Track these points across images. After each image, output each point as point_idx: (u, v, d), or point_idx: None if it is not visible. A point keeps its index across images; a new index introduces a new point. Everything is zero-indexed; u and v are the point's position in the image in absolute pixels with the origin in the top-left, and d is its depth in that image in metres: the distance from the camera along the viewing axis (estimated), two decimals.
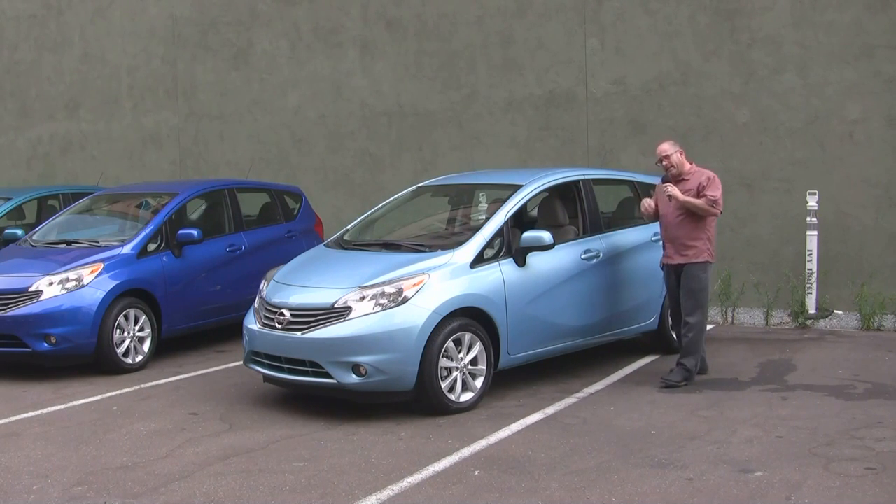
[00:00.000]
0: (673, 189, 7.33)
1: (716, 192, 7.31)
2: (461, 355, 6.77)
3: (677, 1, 10.84)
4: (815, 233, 9.92)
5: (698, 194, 7.32)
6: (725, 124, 10.67)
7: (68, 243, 9.18)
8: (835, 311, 10.04)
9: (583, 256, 7.69)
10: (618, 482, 5.28)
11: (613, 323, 7.97)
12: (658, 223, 8.13)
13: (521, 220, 7.95)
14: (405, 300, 6.60)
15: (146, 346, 8.71)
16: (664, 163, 7.45)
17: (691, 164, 7.54)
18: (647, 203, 7.67)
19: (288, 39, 13.26)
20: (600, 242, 7.89)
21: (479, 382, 6.90)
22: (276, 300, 7.03)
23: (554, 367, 7.90)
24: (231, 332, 9.49)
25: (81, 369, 8.42)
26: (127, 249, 8.79)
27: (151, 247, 8.97)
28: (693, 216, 7.34)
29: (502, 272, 7.07)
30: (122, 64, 14.60)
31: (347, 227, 8.25)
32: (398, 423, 6.54)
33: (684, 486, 5.19)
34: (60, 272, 8.37)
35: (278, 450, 6.04)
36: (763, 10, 10.43)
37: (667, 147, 7.47)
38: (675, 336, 8.10)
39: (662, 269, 7.74)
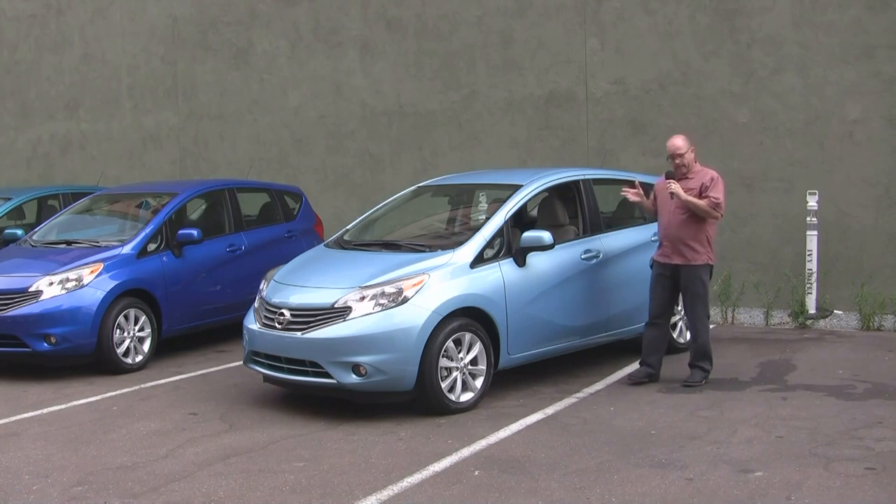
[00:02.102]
0: (676, 187, 7.21)
1: (719, 194, 7.20)
2: (461, 355, 6.77)
3: (677, 1, 10.84)
4: (815, 233, 9.91)
5: (700, 195, 7.22)
6: (725, 124, 10.66)
7: (68, 243, 9.18)
8: (835, 311, 10.04)
9: (583, 256, 7.69)
10: (618, 482, 5.28)
11: (613, 323, 7.97)
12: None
13: (521, 220, 7.95)
14: (405, 300, 6.60)
15: (146, 346, 8.71)
16: (676, 161, 7.33)
17: (696, 162, 7.44)
18: (639, 194, 7.55)
19: (288, 39, 13.26)
20: (600, 242, 7.89)
21: (479, 382, 6.90)
22: (276, 300, 7.03)
23: (554, 367, 7.90)
24: (231, 332, 9.49)
25: (81, 369, 8.42)
26: (127, 249, 8.79)
27: (151, 247, 8.97)
28: (695, 217, 7.25)
29: (502, 272, 7.07)
30: (122, 64, 14.60)
31: (347, 227, 8.25)
32: (398, 423, 6.54)
33: (684, 486, 5.19)
34: (60, 272, 8.37)
35: (278, 450, 6.04)
36: (763, 10, 10.43)
37: (681, 144, 7.31)
38: (647, 335, 7.58)
39: (652, 265, 7.60)
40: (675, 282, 7.42)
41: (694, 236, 7.27)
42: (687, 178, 7.32)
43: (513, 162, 11.73)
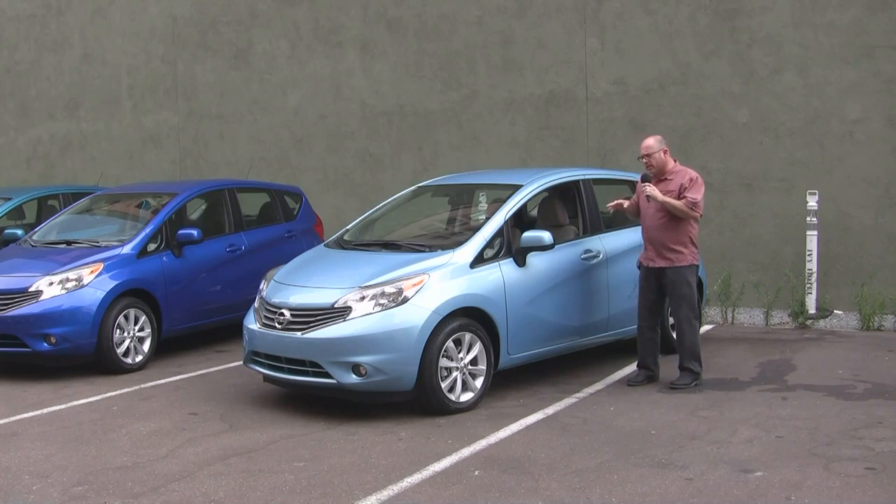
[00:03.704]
0: (652, 189, 7.17)
1: (696, 194, 7.13)
2: (461, 355, 6.77)
3: (677, 1, 10.85)
4: (815, 233, 9.92)
5: (679, 195, 7.17)
6: (725, 124, 10.67)
7: (68, 243, 9.18)
8: (835, 311, 10.04)
9: (583, 256, 7.69)
10: (618, 482, 5.28)
11: (613, 323, 7.96)
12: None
13: (521, 220, 7.95)
14: (405, 300, 6.60)
15: (146, 346, 8.71)
16: (644, 160, 7.30)
17: (675, 161, 7.37)
18: (625, 202, 7.55)
19: (288, 39, 13.26)
20: (600, 242, 7.89)
21: (479, 382, 6.90)
22: (276, 300, 7.03)
23: (554, 367, 7.90)
24: (231, 332, 9.49)
25: (81, 369, 8.42)
26: (127, 249, 8.79)
27: (151, 247, 8.97)
28: (675, 218, 7.19)
29: (502, 272, 7.07)
30: (122, 64, 14.60)
31: (347, 227, 8.25)
32: (398, 423, 6.54)
33: (684, 486, 5.19)
34: (60, 272, 8.37)
35: (278, 450, 6.04)
36: (763, 10, 10.43)
37: (652, 144, 7.28)
38: (640, 339, 7.56)
39: (639, 267, 7.55)
40: (661, 284, 7.37)
41: (676, 238, 7.22)
42: (666, 179, 7.28)
43: (513, 162, 11.73)
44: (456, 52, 12.11)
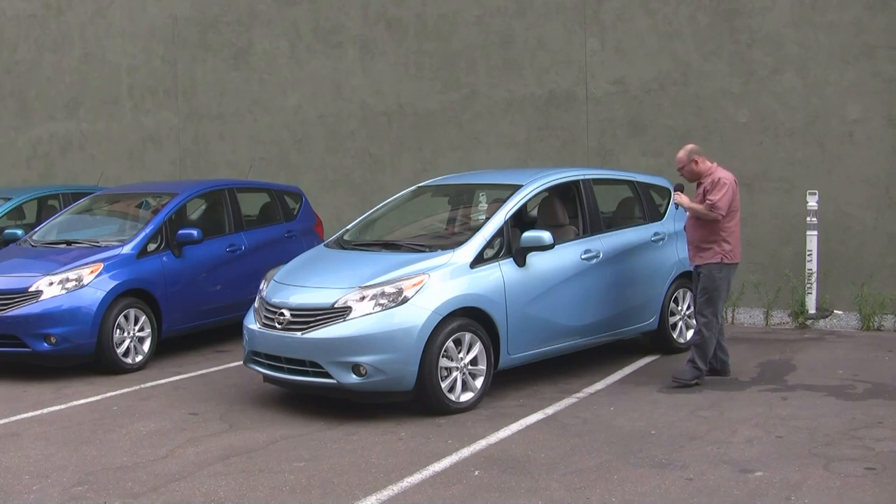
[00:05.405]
0: (678, 198, 7.56)
1: (715, 196, 7.29)
2: (461, 355, 6.77)
3: (677, 1, 10.84)
4: (815, 233, 9.92)
5: (704, 198, 7.38)
6: (725, 124, 10.67)
7: (68, 243, 9.18)
8: (835, 311, 10.04)
9: (583, 256, 7.69)
10: (618, 482, 5.28)
11: (613, 323, 7.97)
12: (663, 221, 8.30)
13: (521, 220, 7.95)
14: (405, 300, 6.60)
15: (146, 346, 8.71)
16: (679, 173, 7.61)
17: (712, 164, 7.52)
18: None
19: (288, 39, 13.26)
20: (600, 242, 7.89)
21: (479, 382, 6.90)
22: (276, 300, 7.03)
23: (554, 367, 7.90)
24: (231, 332, 9.49)
25: (81, 369, 8.42)
26: (127, 249, 8.79)
27: (151, 247, 8.97)
28: (704, 219, 7.38)
29: (502, 272, 7.07)
30: (122, 64, 14.60)
31: (347, 227, 8.25)
32: (398, 423, 6.54)
33: (684, 486, 5.19)
34: (60, 272, 8.37)
35: (278, 450, 6.04)
36: (763, 10, 10.43)
37: (681, 157, 7.52)
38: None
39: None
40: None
41: (706, 237, 7.39)
42: (701, 182, 7.51)
43: (513, 162, 11.73)
44: (456, 52, 12.11)
